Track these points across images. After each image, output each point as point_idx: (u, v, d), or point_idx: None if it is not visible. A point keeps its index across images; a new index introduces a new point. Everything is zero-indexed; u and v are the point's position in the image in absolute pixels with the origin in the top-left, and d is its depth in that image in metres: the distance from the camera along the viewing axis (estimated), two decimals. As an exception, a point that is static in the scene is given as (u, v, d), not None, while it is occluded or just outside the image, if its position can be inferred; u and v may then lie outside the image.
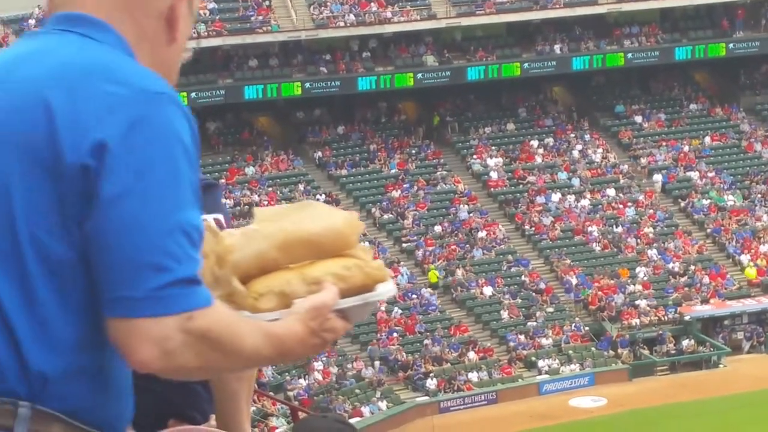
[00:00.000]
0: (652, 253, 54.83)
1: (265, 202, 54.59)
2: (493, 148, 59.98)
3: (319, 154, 58.43)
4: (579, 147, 60.37)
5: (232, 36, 56.05)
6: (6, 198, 2.21)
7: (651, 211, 57.17)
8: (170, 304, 2.18)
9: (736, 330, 52.03)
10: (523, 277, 53.13)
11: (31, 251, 2.20)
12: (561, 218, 56.28)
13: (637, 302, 52.23)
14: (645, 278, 53.55)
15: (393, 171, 58.03)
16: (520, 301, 52.03)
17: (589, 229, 55.70)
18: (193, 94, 52.86)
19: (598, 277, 53.38)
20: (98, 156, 2.17)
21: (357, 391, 46.11)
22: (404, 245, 53.86)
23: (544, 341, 50.06)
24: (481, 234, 54.83)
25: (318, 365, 46.44)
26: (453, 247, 54.01)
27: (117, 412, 2.38)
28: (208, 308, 2.22)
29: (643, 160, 59.95)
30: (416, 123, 61.15)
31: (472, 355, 49.07)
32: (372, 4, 58.62)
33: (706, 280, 53.41)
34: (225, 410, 3.56)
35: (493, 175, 58.36)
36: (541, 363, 49.01)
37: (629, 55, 60.38)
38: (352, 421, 35.41)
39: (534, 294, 52.36)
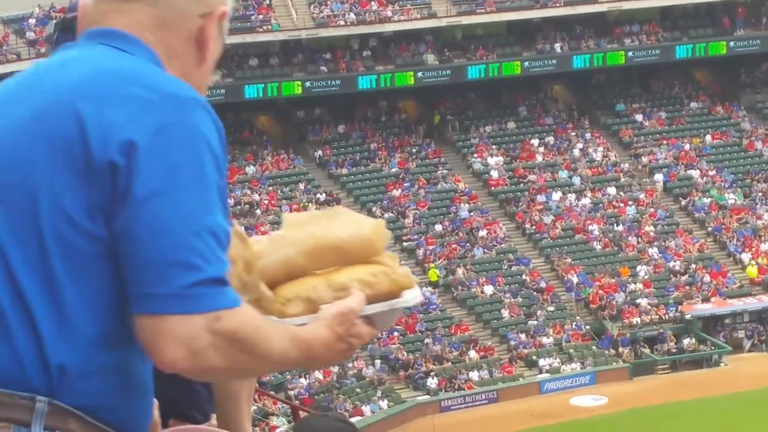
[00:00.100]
0: (653, 251, 54.83)
1: (266, 202, 54.64)
2: (494, 146, 59.97)
3: (320, 153, 58.43)
4: (580, 145, 60.36)
5: (233, 35, 55.96)
6: (32, 194, 2.22)
7: (652, 209, 57.17)
8: (198, 303, 2.20)
9: (737, 328, 52.02)
10: (523, 276, 53.13)
11: (56, 247, 2.22)
12: (562, 217, 56.28)
13: (638, 301, 52.23)
14: (646, 277, 53.54)
15: (393, 170, 58.03)
16: (520, 299, 52.03)
17: (590, 227, 55.69)
18: (193, 94, 52.85)
19: (599, 275, 53.37)
20: (127, 154, 2.20)
21: (358, 390, 46.11)
22: (405, 244, 53.84)
23: (545, 340, 50.05)
24: (482, 233, 54.82)
25: (319, 364, 46.39)
26: (453, 245, 54.00)
27: (138, 412, 2.39)
28: (236, 309, 2.24)
29: (644, 159, 59.94)
30: (417, 122, 61.15)
31: (472, 354, 49.06)
32: (372, 2, 58.62)
33: (707, 278, 53.40)
34: (226, 410, 3.55)
35: (494, 173, 58.35)
36: (542, 362, 49.00)
37: (630, 54, 60.37)
38: (352, 420, 35.39)
39: (535, 293, 52.36)
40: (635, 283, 53.07)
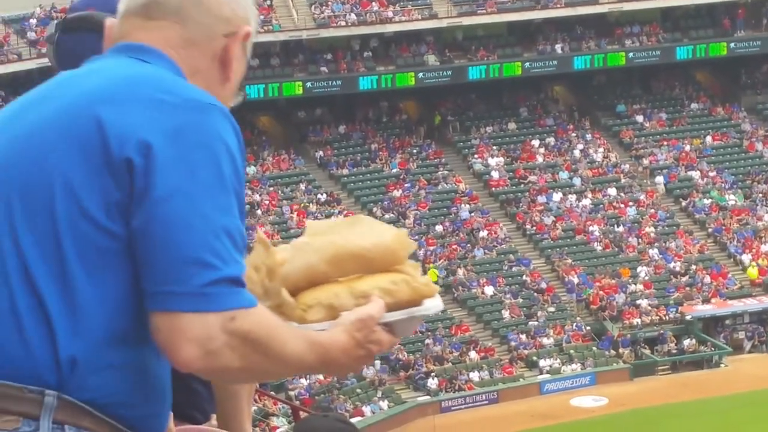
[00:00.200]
0: (654, 252, 54.83)
1: (266, 202, 54.65)
2: (495, 147, 59.98)
3: (321, 153, 58.44)
4: (580, 146, 60.37)
5: (233, 35, 55.99)
6: (50, 192, 2.25)
7: (652, 210, 57.17)
8: (213, 302, 2.21)
9: (737, 330, 52.01)
10: (524, 277, 53.13)
11: (72, 243, 2.24)
12: (562, 218, 56.29)
13: (638, 302, 52.22)
14: (646, 278, 53.54)
15: (394, 170, 58.03)
16: (521, 300, 52.03)
17: (591, 228, 55.69)
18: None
19: (600, 276, 53.37)
20: (144, 154, 2.23)
21: (358, 390, 46.11)
22: (405, 244, 53.78)
23: (545, 341, 50.05)
24: (483, 233, 54.82)
25: (319, 365, 46.41)
26: (454, 246, 54.01)
27: (154, 412, 2.40)
28: (251, 310, 2.25)
29: (645, 160, 59.93)
30: (417, 122, 61.15)
31: (473, 354, 49.07)
32: (373, 3, 58.63)
33: (708, 279, 53.40)
34: (226, 410, 3.56)
35: (495, 174, 58.35)
36: (542, 362, 49.00)
37: (630, 55, 60.38)
38: (353, 420, 35.39)
39: (535, 293, 52.36)
40: (636, 284, 53.07)
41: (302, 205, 54.91)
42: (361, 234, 2.49)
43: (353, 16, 58.17)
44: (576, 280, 52.97)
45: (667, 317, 51.83)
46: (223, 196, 2.25)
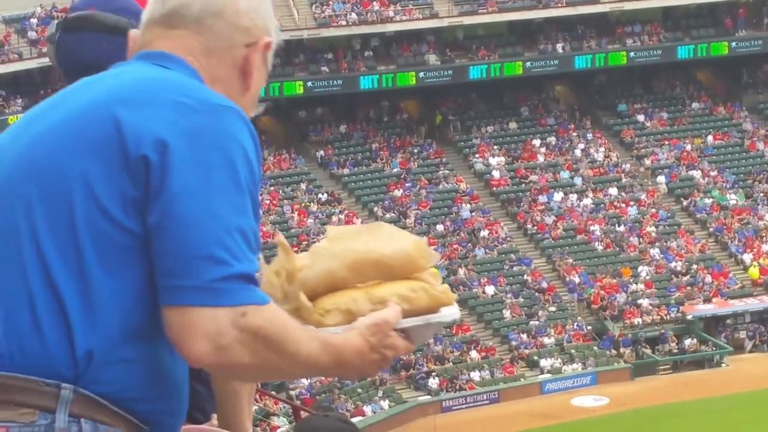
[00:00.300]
0: (655, 252, 54.83)
1: (267, 202, 54.64)
2: (495, 147, 59.98)
3: (321, 153, 58.45)
4: (581, 146, 60.37)
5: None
6: (68, 189, 2.29)
7: (653, 210, 57.17)
8: (224, 297, 2.24)
9: (738, 329, 52.02)
10: (525, 276, 53.14)
11: (89, 238, 2.28)
12: (563, 217, 56.29)
13: (639, 301, 52.23)
14: (647, 277, 53.55)
15: (395, 170, 58.05)
16: (522, 300, 52.04)
17: (592, 228, 55.69)
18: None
19: (601, 276, 53.37)
20: (160, 152, 2.27)
21: (359, 390, 46.11)
22: (406, 244, 53.80)
23: (546, 340, 50.06)
24: (484, 233, 54.83)
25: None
26: (455, 246, 54.02)
27: (169, 408, 2.42)
28: (263, 306, 2.28)
29: (646, 160, 59.93)
30: (418, 122, 61.16)
31: (474, 354, 49.08)
32: (374, 2, 58.64)
33: (709, 279, 53.41)
34: (226, 409, 3.55)
35: (495, 174, 58.36)
36: (543, 362, 49.01)
37: (631, 54, 60.39)
38: (354, 420, 35.44)
39: (536, 293, 52.37)
40: (637, 284, 53.07)
41: (303, 204, 54.93)
42: (381, 241, 2.51)
43: (354, 16, 58.18)
44: (577, 280, 52.97)
45: (668, 317, 51.84)
46: (237, 197, 2.29)
